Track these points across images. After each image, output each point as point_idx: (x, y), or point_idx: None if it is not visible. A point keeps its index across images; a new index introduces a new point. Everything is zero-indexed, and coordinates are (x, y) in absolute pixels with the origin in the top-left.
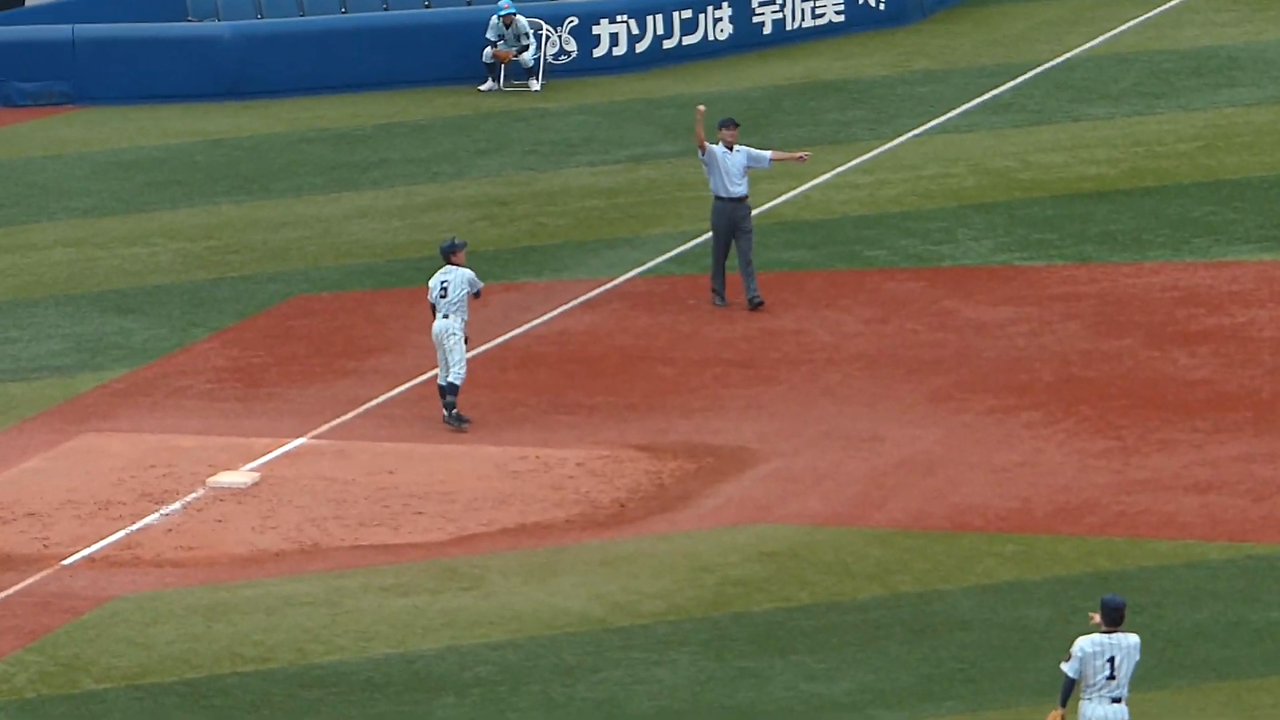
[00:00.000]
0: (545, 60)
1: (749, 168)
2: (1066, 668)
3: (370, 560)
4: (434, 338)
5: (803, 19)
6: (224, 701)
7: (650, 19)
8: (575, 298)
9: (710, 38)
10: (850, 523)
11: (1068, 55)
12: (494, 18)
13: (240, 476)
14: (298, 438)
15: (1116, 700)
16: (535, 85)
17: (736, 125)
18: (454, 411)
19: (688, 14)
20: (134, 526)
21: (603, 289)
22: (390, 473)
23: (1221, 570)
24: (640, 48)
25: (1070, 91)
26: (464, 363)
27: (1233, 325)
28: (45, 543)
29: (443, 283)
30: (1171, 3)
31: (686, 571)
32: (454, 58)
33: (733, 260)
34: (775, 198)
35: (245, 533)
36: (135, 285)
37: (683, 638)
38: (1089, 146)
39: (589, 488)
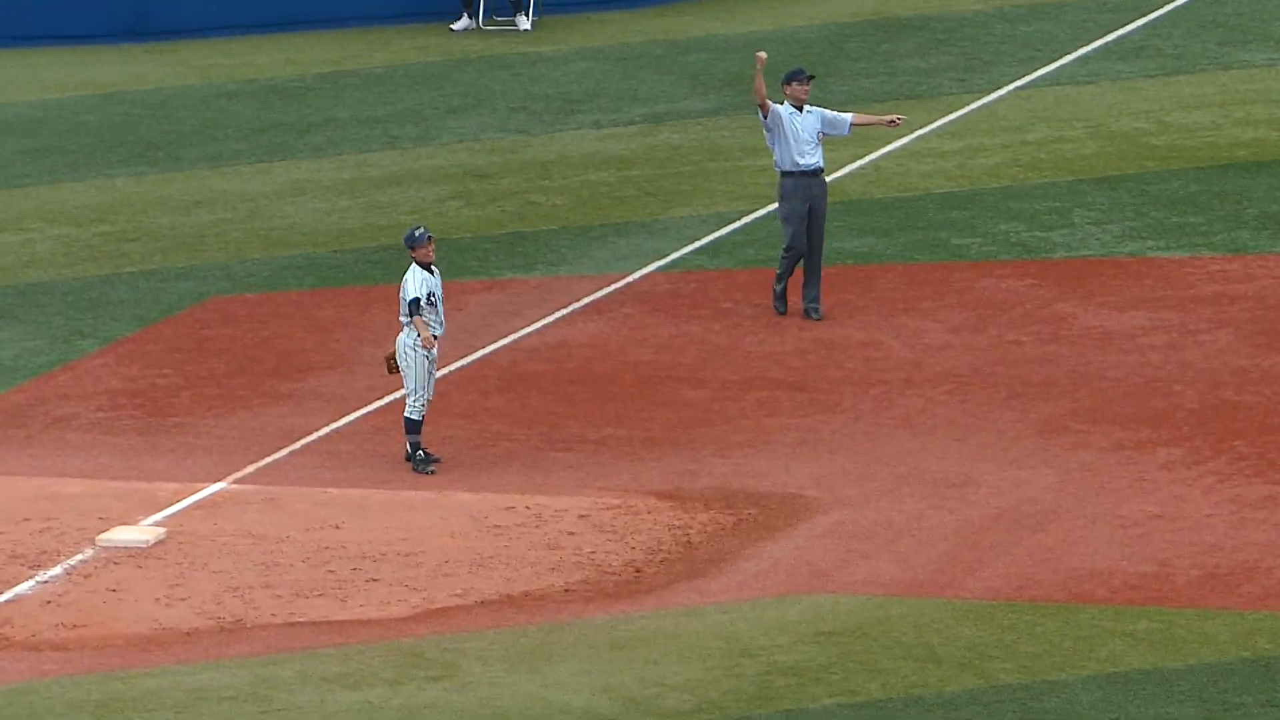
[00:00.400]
0: None
1: (823, 134)
2: None
3: (309, 642)
4: (419, 355)
5: None
6: None
7: None
8: (576, 300)
9: None
10: (935, 592)
11: None
12: None
13: (140, 533)
14: (215, 482)
15: None
16: (524, 23)
17: (809, 78)
18: (419, 451)
19: None
20: (2, 597)
21: (612, 288)
22: (336, 527)
23: None
24: None
25: (1220, 31)
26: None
27: None
28: None
29: (430, 291)
30: None
31: (721, 657)
32: None
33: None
34: (836, 169)
35: (147, 605)
36: (3, 284)
37: None
38: (1244, 103)
39: (594, 547)
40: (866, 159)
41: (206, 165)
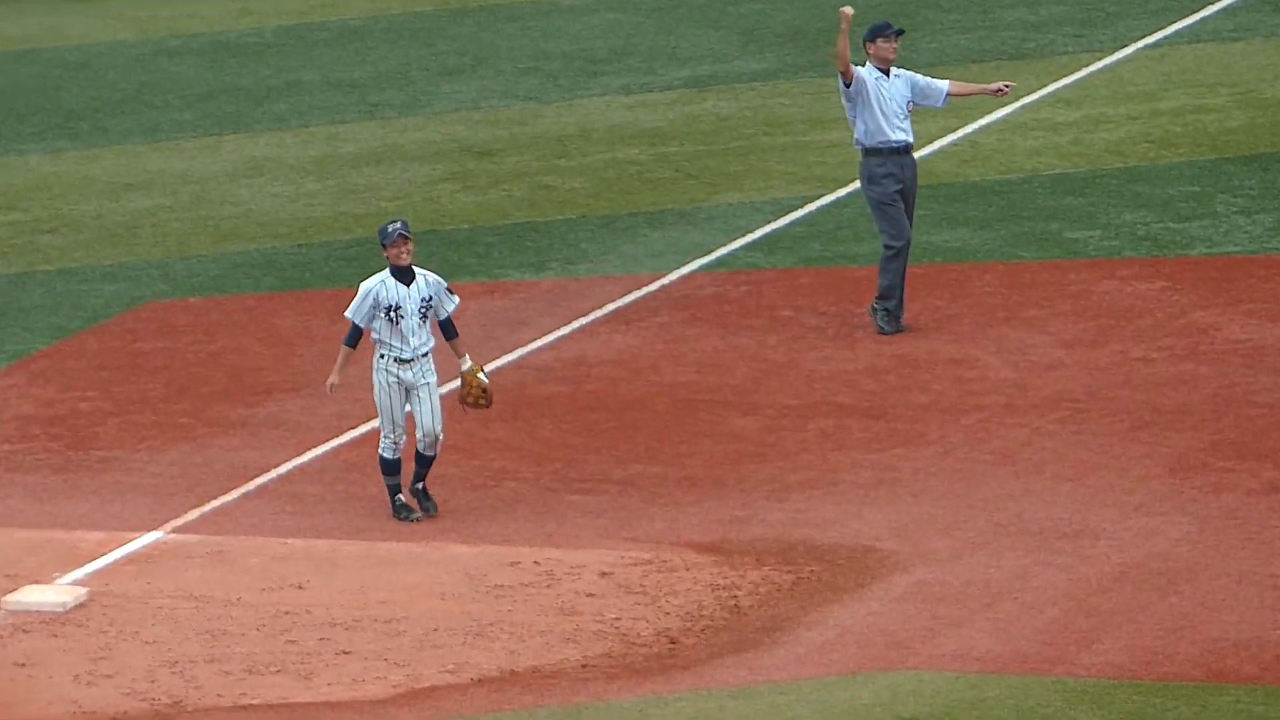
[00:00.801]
0: None
1: (913, 103)
2: None
3: None
4: (399, 386)
5: None
6: None
7: None
8: (599, 306)
9: None
10: (1042, 669)
11: None
12: None
13: (56, 593)
14: (149, 531)
15: None
16: None
17: (898, 33)
18: (426, 490)
19: None
20: None
21: (643, 292)
22: (298, 587)
23: None
24: None
25: None
26: (399, 427)
27: None
28: None
29: (424, 300)
30: None
31: None
32: None
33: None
34: (923, 145)
35: (64, 684)
36: None
37: None
38: None
39: (619, 612)
40: (960, 132)
41: (141, 139)
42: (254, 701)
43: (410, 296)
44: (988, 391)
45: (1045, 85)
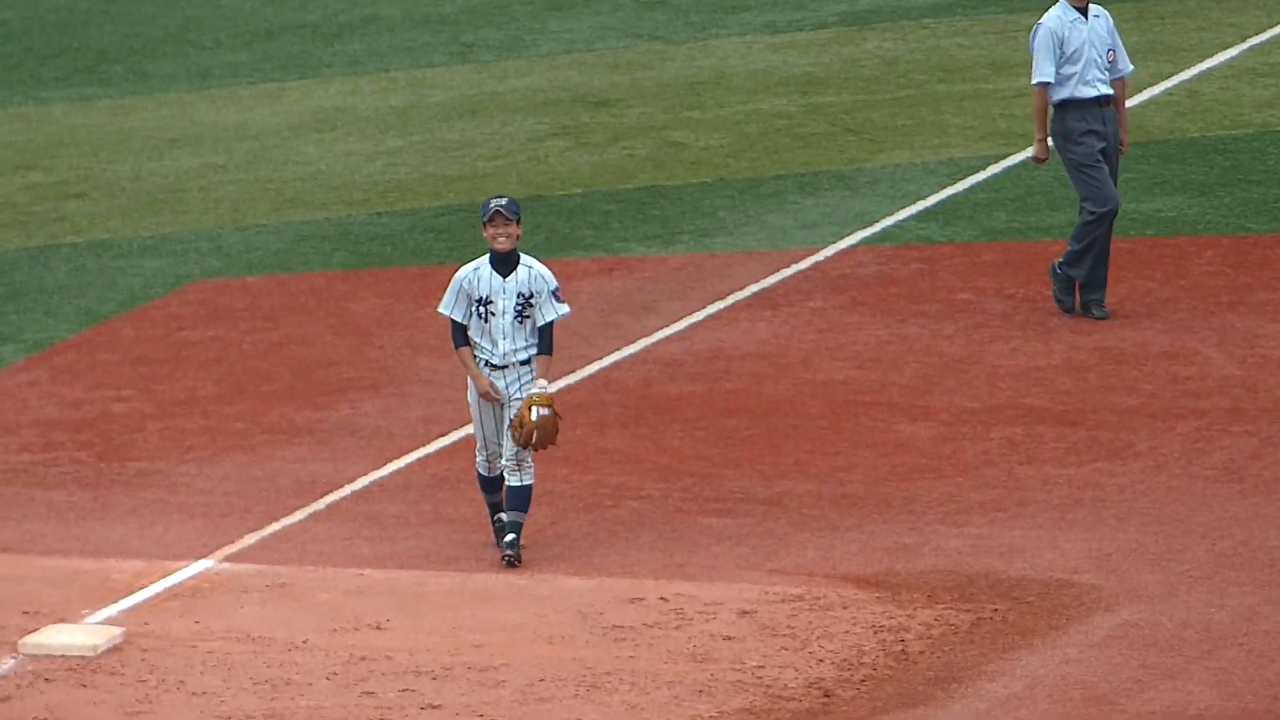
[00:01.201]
0: None
1: (1114, 51)
2: None
3: None
4: (482, 397)
5: None
6: None
7: None
8: (739, 288)
9: None
10: None
11: None
12: None
13: (86, 635)
14: (197, 559)
15: None
16: None
17: None
18: (515, 540)
19: None
20: None
21: (792, 270)
22: (377, 628)
23: None
24: None
25: None
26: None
27: None
28: None
29: (523, 297)
30: None
31: None
32: None
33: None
34: (1130, 93)
35: None
36: None
37: None
38: None
39: (763, 659)
40: (1175, 79)
41: (187, 85)
42: None
43: (506, 290)
44: (1209, 393)
45: (1277, 23)
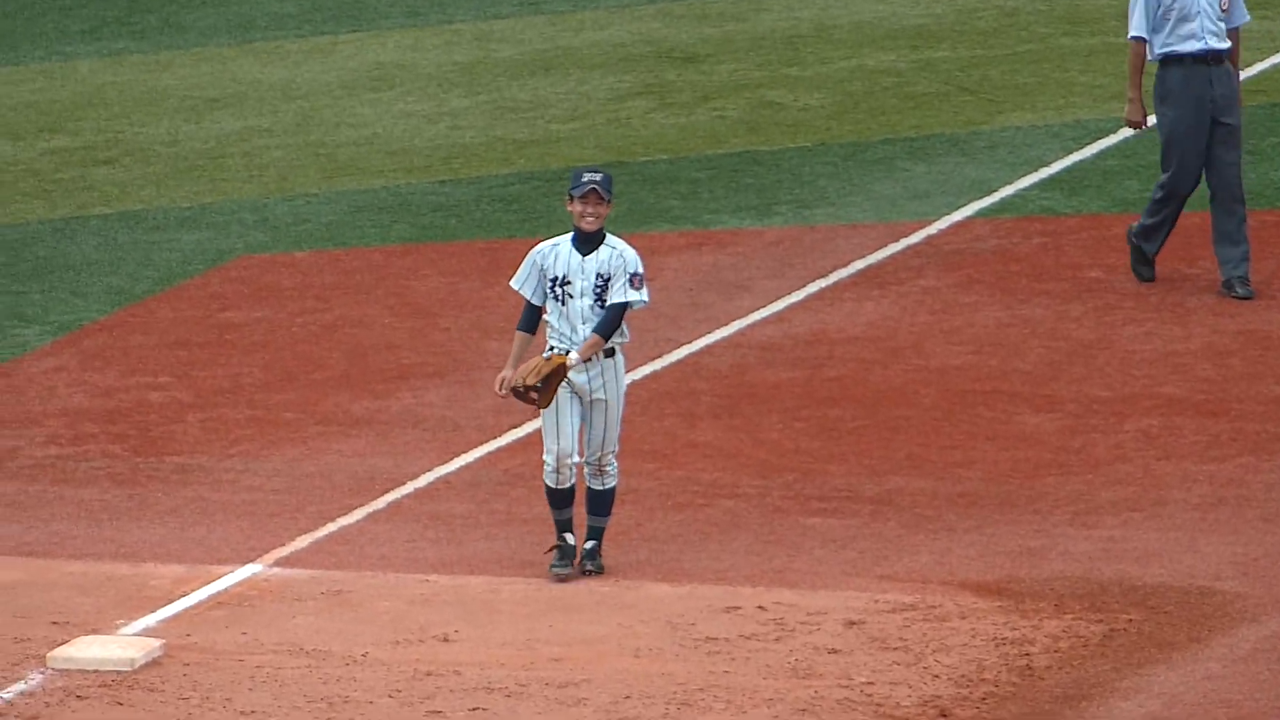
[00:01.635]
0: None
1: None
2: None
3: None
4: (568, 391)
5: None
6: None
7: None
8: (843, 264)
9: None
10: None
11: None
12: None
13: (121, 647)
14: (244, 563)
15: None
16: None
17: None
18: (596, 548)
19: None
20: None
21: (902, 245)
22: (444, 640)
23: None
24: None
25: None
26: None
27: None
28: None
29: (600, 276)
30: None
31: None
32: None
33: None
34: (1270, 50)
35: None
36: None
37: None
38: None
39: (872, 675)
40: None
41: (229, 38)
42: None
43: (585, 270)
44: None
45: None
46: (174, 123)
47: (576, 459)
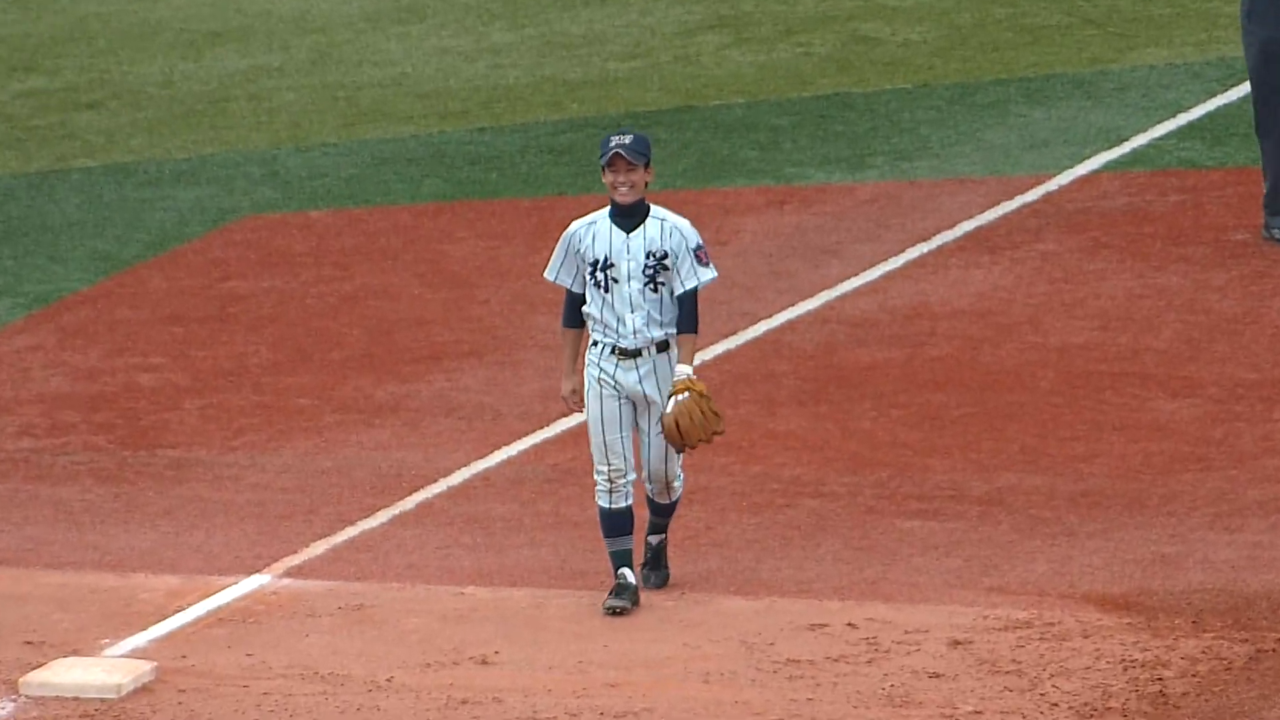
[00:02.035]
0: None
1: None
2: None
3: None
4: (616, 395)
5: None
6: None
7: None
8: (948, 226)
9: None
10: None
11: None
12: None
13: (106, 671)
14: (249, 573)
15: None
16: None
17: None
18: (661, 552)
19: None
20: None
21: (1017, 203)
22: (483, 662)
23: None
24: None
25: None
26: (679, 460)
27: None
28: None
29: (651, 256)
30: None
31: None
32: None
33: None
34: None
35: None
36: None
37: None
38: None
39: (981, 702)
40: None
41: None
42: None
43: (630, 250)
44: None
45: None
46: (169, 61)
47: (633, 475)
